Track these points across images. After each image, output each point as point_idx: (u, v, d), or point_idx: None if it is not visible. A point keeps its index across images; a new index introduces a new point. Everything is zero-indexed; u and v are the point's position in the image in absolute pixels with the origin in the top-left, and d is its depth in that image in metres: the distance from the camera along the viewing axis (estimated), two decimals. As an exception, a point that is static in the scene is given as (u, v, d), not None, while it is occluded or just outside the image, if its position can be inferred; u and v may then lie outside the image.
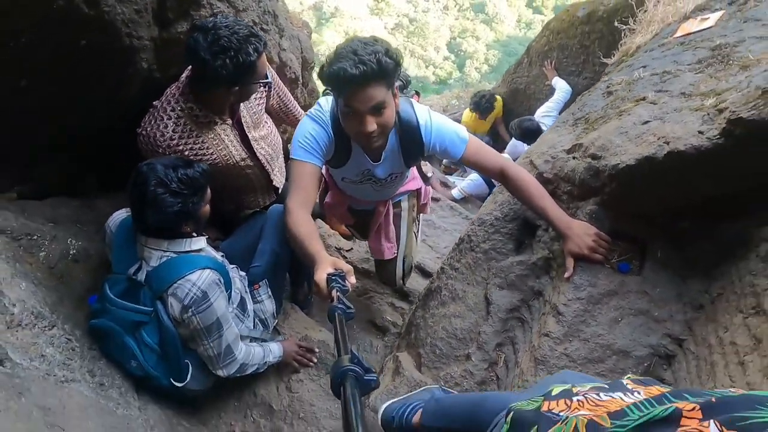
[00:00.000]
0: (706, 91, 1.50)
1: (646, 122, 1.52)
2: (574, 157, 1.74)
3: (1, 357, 1.13)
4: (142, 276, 1.65)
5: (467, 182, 4.73)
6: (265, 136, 2.08)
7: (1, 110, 1.63)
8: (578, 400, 0.79)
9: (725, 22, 1.97)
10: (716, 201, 1.40)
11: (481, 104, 5.27)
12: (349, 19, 43.61)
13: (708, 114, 1.34)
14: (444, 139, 1.77)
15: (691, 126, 1.35)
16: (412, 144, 1.79)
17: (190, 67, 1.81)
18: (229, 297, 1.82)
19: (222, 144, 1.92)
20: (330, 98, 1.72)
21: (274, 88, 2.09)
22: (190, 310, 1.63)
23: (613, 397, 0.76)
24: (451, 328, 1.95)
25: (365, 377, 0.68)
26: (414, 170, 2.31)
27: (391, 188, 2.15)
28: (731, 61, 1.64)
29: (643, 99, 1.69)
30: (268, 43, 2.00)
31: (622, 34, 2.76)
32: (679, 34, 2.13)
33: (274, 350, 2.06)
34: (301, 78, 2.68)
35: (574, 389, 0.83)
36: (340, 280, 1.24)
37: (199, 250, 1.73)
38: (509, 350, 1.84)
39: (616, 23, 3.03)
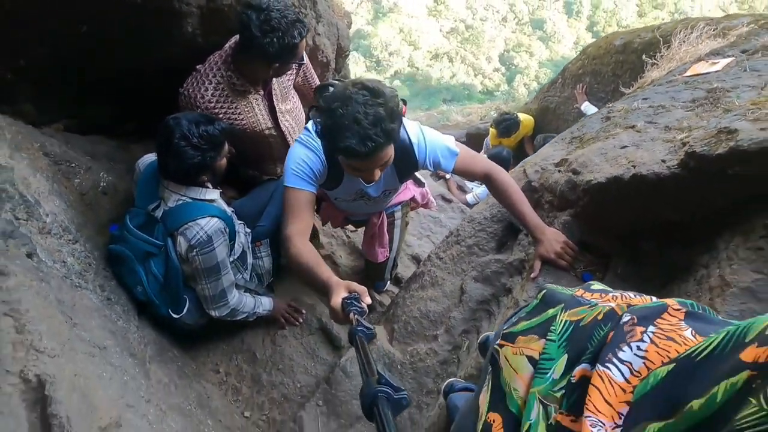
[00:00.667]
0: (685, 127, 1.63)
1: (624, 147, 1.66)
2: (559, 171, 1.88)
3: (31, 251, 1.36)
4: (159, 213, 1.88)
5: (482, 189, 4.86)
6: (290, 110, 2.29)
7: (60, 51, 1.87)
8: (613, 296, 0.82)
9: (730, 68, 2.08)
10: (672, 226, 1.53)
11: (500, 126, 5.33)
12: (406, 16, 43.86)
13: (675, 146, 1.48)
14: (437, 155, 1.80)
15: (658, 155, 1.48)
16: (407, 163, 1.81)
17: (234, 38, 2.02)
18: (232, 247, 2.03)
19: (252, 112, 2.13)
20: (316, 124, 1.70)
21: (303, 68, 2.29)
22: (195, 250, 1.84)
23: (644, 298, 0.79)
24: (425, 310, 2.12)
25: (395, 396, 0.67)
26: (408, 184, 2.39)
27: (384, 202, 2.19)
28: (719, 104, 1.75)
29: (632, 127, 1.82)
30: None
31: (645, 68, 2.87)
32: (688, 73, 2.24)
33: (264, 303, 2.26)
34: (333, 63, 2.88)
35: (613, 290, 0.87)
36: (356, 303, 1.22)
37: (212, 201, 1.94)
38: (473, 337, 2.00)
39: (643, 57, 3.12)
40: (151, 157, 1.99)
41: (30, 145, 1.79)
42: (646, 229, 1.62)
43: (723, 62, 2.17)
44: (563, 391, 0.70)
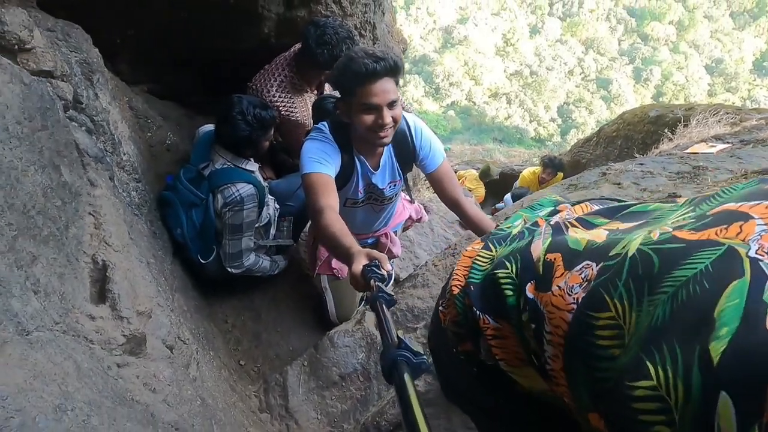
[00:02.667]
0: (658, 191, 1.90)
1: (602, 198, 1.94)
2: (548, 208, 2.17)
3: (112, 176, 1.74)
4: (207, 172, 2.26)
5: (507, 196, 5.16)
6: None
7: (161, 28, 2.30)
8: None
9: (723, 153, 2.33)
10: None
11: (555, 161, 5.59)
12: (474, 51, 44.59)
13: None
14: (430, 145, 1.95)
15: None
16: (404, 149, 1.94)
17: (298, 45, 2.42)
18: (259, 214, 2.39)
19: (305, 108, 2.52)
20: (327, 124, 1.89)
21: None
22: (227, 207, 2.21)
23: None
24: (411, 305, 2.42)
25: (415, 360, 0.69)
26: (404, 201, 2.59)
27: (388, 208, 2.31)
28: (696, 180, 2.02)
29: (618, 184, 2.10)
30: (360, 46, 2.61)
31: (661, 140, 3.12)
32: (688, 150, 2.50)
33: (280, 265, 2.61)
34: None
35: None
36: (376, 270, 1.23)
37: (251, 171, 2.31)
38: (446, 336, 2.28)
39: (666, 130, 3.37)
40: (209, 127, 2.38)
41: (122, 98, 2.21)
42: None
43: (719, 147, 2.42)
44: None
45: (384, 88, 1.62)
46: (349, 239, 1.50)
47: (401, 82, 1.75)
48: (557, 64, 46.35)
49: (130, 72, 2.48)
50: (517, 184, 5.87)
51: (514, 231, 1.08)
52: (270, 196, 2.55)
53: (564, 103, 45.24)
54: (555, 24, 47.03)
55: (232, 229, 2.28)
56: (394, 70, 1.62)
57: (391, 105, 1.66)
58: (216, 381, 1.81)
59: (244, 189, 2.21)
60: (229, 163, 2.25)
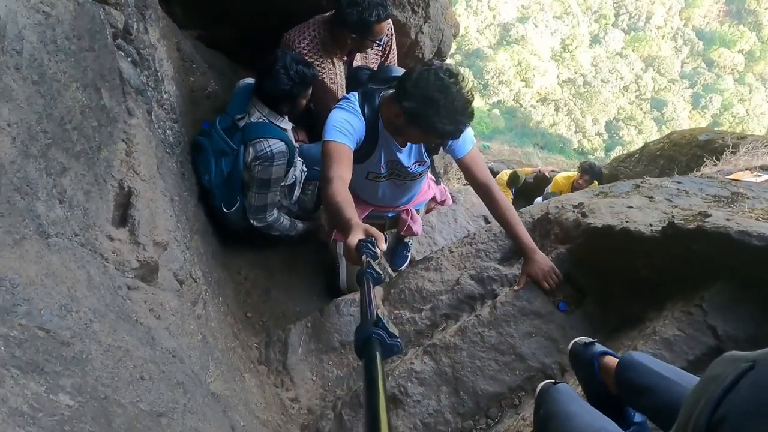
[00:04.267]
0: (690, 210, 1.85)
1: (630, 207, 1.90)
2: (573, 211, 2.13)
3: (150, 111, 1.79)
4: (241, 123, 2.29)
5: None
6: None
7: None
8: None
9: (767, 185, 2.24)
10: (642, 282, 1.75)
11: (594, 168, 5.43)
12: (529, 52, 43.57)
13: (667, 218, 1.70)
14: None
15: (649, 219, 1.72)
16: None
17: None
18: (286, 173, 2.42)
19: (332, 72, 2.52)
20: (357, 94, 1.90)
21: (390, 55, 2.65)
22: (258, 161, 2.24)
23: None
24: (421, 286, 2.42)
25: (388, 341, 0.69)
26: (429, 180, 2.61)
27: (411, 186, 2.34)
28: (733, 206, 1.95)
29: (650, 197, 2.04)
30: (409, 21, 2.59)
31: (704, 164, 3.01)
32: (730, 176, 2.41)
33: (299, 227, 2.64)
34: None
35: None
36: (370, 246, 1.24)
37: (285, 129, 2.34)
38: (451, 322, 2.28)
39: (714, 157, 3.26)
40: (249, 80, 2.41)
41: (171, 38, 2.25)
42: (622, 280, 1.85)
43: (765, 177, 2.32)
44: None
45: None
46: (350, 211, 1.52)
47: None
48: (613, 77, 44.89)
49: (183, 16, 2.52)
50: (549, 188, 5.77)
51: None
52: (299, 158, 2.58)
53: (614, 118, 43.91)
54: (617, 36, 45.44)
55: (260, 183, 2.31)
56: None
57: None
58: (220, 324, 1.86)
59: (276, 145, 2.23)
60: (264, 118, 2.27)
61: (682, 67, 45.74)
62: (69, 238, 1.10)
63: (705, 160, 4.08)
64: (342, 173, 1.69)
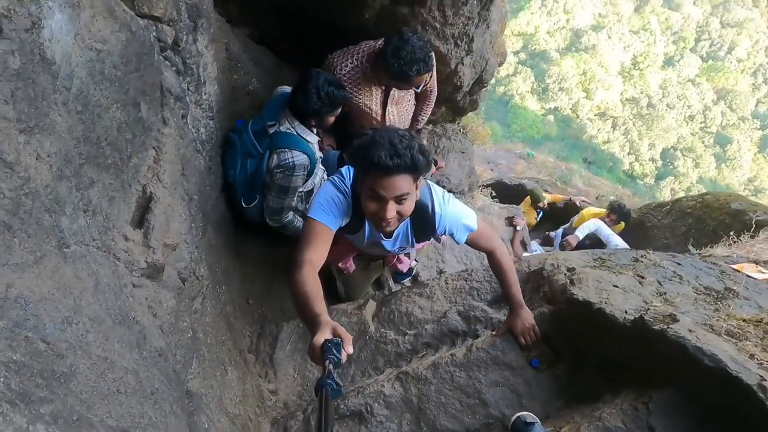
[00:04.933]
0: (672, 301, 1.90)
1: (615, 286, 1.96)
2: (565, 275, 2.20)
3: (185, 114, 1.94)
4: (271, 130, 2.44)
5: (540, 250, 5.12)
6: (400, 109, 2.76)
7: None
8: None
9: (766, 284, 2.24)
10: (611, 363, 1.83)
11: (624, 209, 5.38)
12: (597, 63, 42.09)
13: (642, 309, 1.77)
14: (455, 226, 1.95)
15: (627, 305, 1.79)
16: (424, 227, 1.94)
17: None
18: (305, 181, 2.56)
19: (369, 97, 2.62)
20: (352, 170, 1.83)
21: (430, 97, 2.76)
22: (280, 169, 2.39)
23: None
24: (411, 311, 2.55)
25: (336, 388, 0.69)
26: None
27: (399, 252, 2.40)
28: (719, 302, 1.98)
29: (642, 277, 2.09)
30: (450, 53, 2.69)
31: (721, 240, 2.99)
32: (734, 266, 2.42)
33: None
34: (467, 88, 3.28)
35: None
36: (335, 351, 1.16)
37: (310, 142, 2.47)
38: (430, 351, 2.40)
39: (731, 233, 3.22)
40: (286, 89, 2.55)
41: (220, 40, 2.40)
42: (594, 354, 1.93)
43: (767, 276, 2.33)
44: None
45: (394, 184, 1.58)
46: (319, 304, 1.45)
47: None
48: (680, 104, 42.90)
49: (237, 14, 2.66)
50: (574, 220, 5.74)
51: None
52: (321, 166, 2.71)
53: (672, 147, 42.13)
54: (693, 62, 43.27)
55: (279, 189, 2.46)
56: (410, 169, 1.57)
57: (399, 199, 1.62)
58: (215, 317, 2.04)
59: (299, 158, 2.37)
60: (292, 130, 2.41)
61: (756, 105, 43.33)
62: (87, 244, 1.27)
63: (733, 229, 4.01)
64: (313, 258, 1.66)
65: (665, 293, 1.99)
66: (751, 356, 1.44)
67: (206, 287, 1.97)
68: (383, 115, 2.72)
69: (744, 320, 1.71)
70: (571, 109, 41.95)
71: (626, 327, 1.70)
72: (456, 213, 1.94)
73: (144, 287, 1.53)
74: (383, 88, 2.61)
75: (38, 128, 1.05)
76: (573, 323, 2.00)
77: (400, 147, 1.52)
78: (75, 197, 1.22)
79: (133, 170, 1.54)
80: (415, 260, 3.31)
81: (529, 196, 6.44)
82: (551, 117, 40.65)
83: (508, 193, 7.69)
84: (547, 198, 6.72)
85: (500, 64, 3.54)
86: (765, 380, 1.28)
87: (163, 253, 1.61)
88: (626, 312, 1.75)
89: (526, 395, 2.02)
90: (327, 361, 1.12)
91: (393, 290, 3.31)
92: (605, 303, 1.82)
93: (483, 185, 5.91)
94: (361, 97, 2.60)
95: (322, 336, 1.23)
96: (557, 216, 6.89)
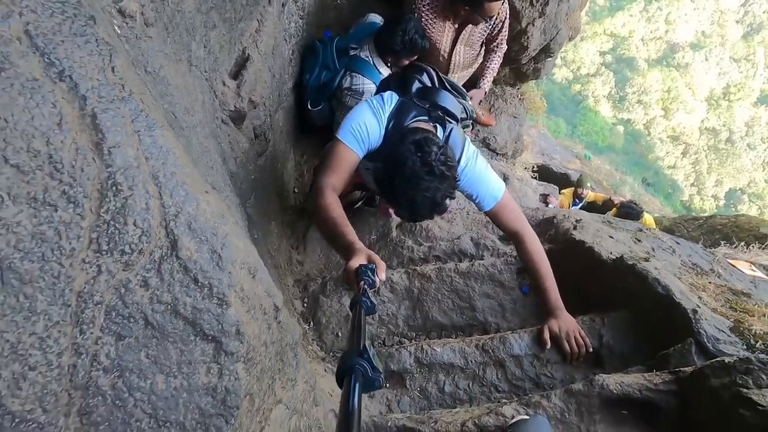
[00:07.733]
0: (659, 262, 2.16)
1: (611, 237, 2.24)
2: (572, 224, 2.48)
3: (284, 3, 2.28)
4: (352, 53, 2.76)
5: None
6: (467, 51, 2.99)
7: None
8: None
9: (753, 279, 2.46)
10: (588, 298, 2.13)
11: (621, 210, 5.50)
12: (684, 84, 39.87)
13: (628, 255, 2.04)
14: (477, 188, 1.81)
15: (614, 250, 2.07)
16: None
17: None
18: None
19: (441, 33, 2.88)
20: (395, 97, 1.78)
21: (500, 36, 2.96)
22: (349, 91, 2.72)
23: None
24: (430, 227, 2.88)
25: (371, 375, 0.69)
26: None
27: None
28: (699, 276, 2.23)
29: (638, 240, 2.35)
30: (524, 11, 2.89)
31: (730, 243, 3.17)
32: (730, 261, 2.63)
33: None
34: (533, 53, 3.48)
35: None
36: (370, 274, 1.22)
37: (381, 74, 2.77)
38: (439, 263, 2.75)
39: (741, 243, 3.38)
40: (377, 18, 2.85)
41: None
42: (577, 291, 2.23)
43: (757, 274, 2.53)
44: None
45: None
46: (351, 231, 1.46)
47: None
48: (763, 147, 40.49)
49: None
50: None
51: None
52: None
53: (739, 188, 40.08)
54: (791, 105, 40.45)
55: (347, 109, 2.79)
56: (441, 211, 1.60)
57: None
58: (269, 182, 2.43)
59: (368, 85, 2.69)
60: (370, 59, 2.73)
61: (843, 168, 40.45)
62: (202, 72, 1.65)
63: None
64: (337, 184, 1.64)
65: (654, 256, 2.25)
66: (699, 298, 1.72)
67: (269, 152, 2.36)
68: (450, 53, 2.98)
69: (709, 282, 1.97)
70: (644, 124, 40.25)
71: (607, 263, 1.99)
72: (483, 174, 1.82)
73: (228, 126, 1.91)
74: (456, 26, 2.86)
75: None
76: (564, 262, 2.28)
77: (423, 208, 1.52)
78: (201, 32, 1.59)
79: (239, 32, 1.91)
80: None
81: (574, 187, 6.56)
82: (621, 128, 39.17)
83: (549, 179, 7.77)
84: (589, 195, 6.79)
85: (571, 38, 3.68)
86: (698, 308, 1.57)
87: (248, 106, 1.99)
88: (611, 253, 2.04)
89: (510, 311, 2.34)
90: (362, 282, 1.17)
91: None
92: (596, 245, 2.11)
93: (527, 166, 6.05)
94: (433, 31, 2.86)
95: (358, 261, 1.29)
96: (593, 212, 6.99)
